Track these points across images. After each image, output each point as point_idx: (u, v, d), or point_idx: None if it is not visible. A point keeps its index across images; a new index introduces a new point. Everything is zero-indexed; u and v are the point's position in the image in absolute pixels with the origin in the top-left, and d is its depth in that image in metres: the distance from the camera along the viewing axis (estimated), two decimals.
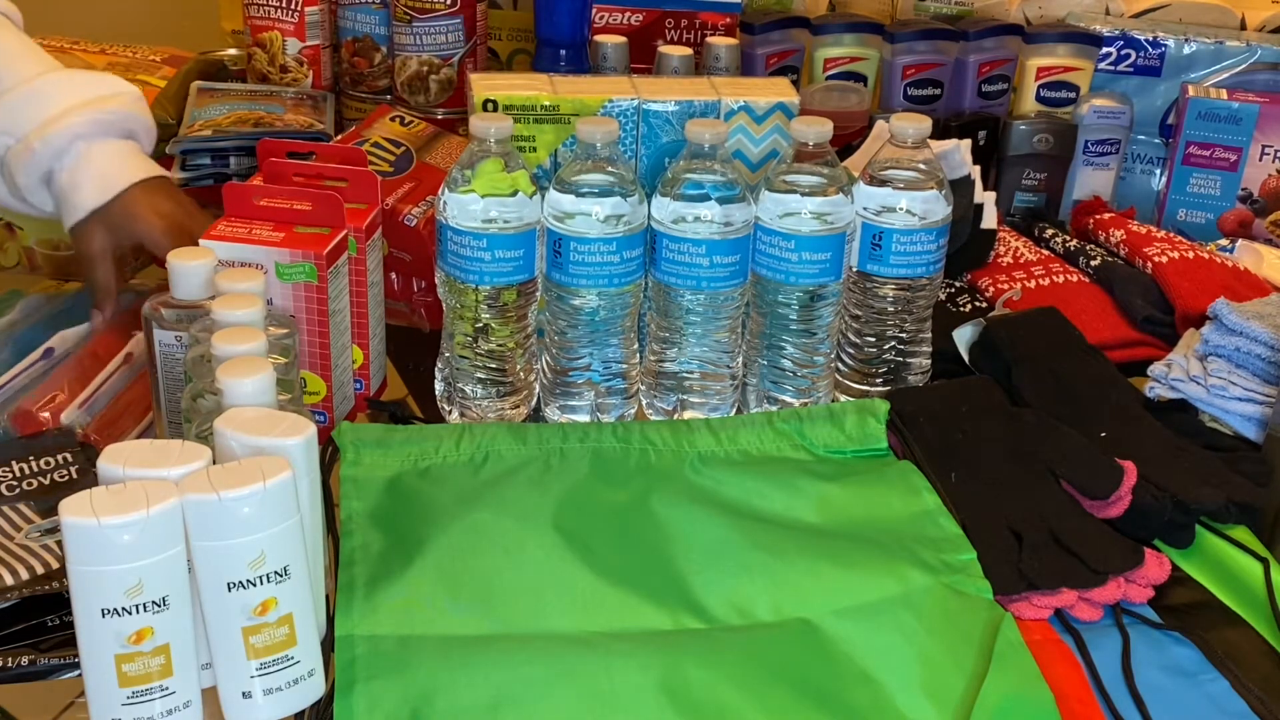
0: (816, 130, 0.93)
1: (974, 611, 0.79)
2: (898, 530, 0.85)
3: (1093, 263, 1.22)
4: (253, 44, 1.37)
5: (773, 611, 0.78)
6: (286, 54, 1.37)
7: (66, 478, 0.85)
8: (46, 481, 0.84)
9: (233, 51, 1.47)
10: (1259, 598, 0.81)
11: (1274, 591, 0.81)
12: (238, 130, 1.21)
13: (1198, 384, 0.99)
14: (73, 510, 0.60)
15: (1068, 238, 1.29)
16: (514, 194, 0.91)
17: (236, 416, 0.69)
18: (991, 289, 1.19)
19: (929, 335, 1.04)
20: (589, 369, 0.97)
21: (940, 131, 1.32)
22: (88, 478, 0.84)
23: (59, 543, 0.77)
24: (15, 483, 0.83)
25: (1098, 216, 1.30)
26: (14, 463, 0.85)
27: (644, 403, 1.00)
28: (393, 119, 1.21)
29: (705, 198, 0.92)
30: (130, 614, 0.61)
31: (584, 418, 0.97)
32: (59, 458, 0.86)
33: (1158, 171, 1.43)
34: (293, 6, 1.35)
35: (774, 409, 0.99)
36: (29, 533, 0.79)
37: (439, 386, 1.00)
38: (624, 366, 0.98)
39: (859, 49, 1.40)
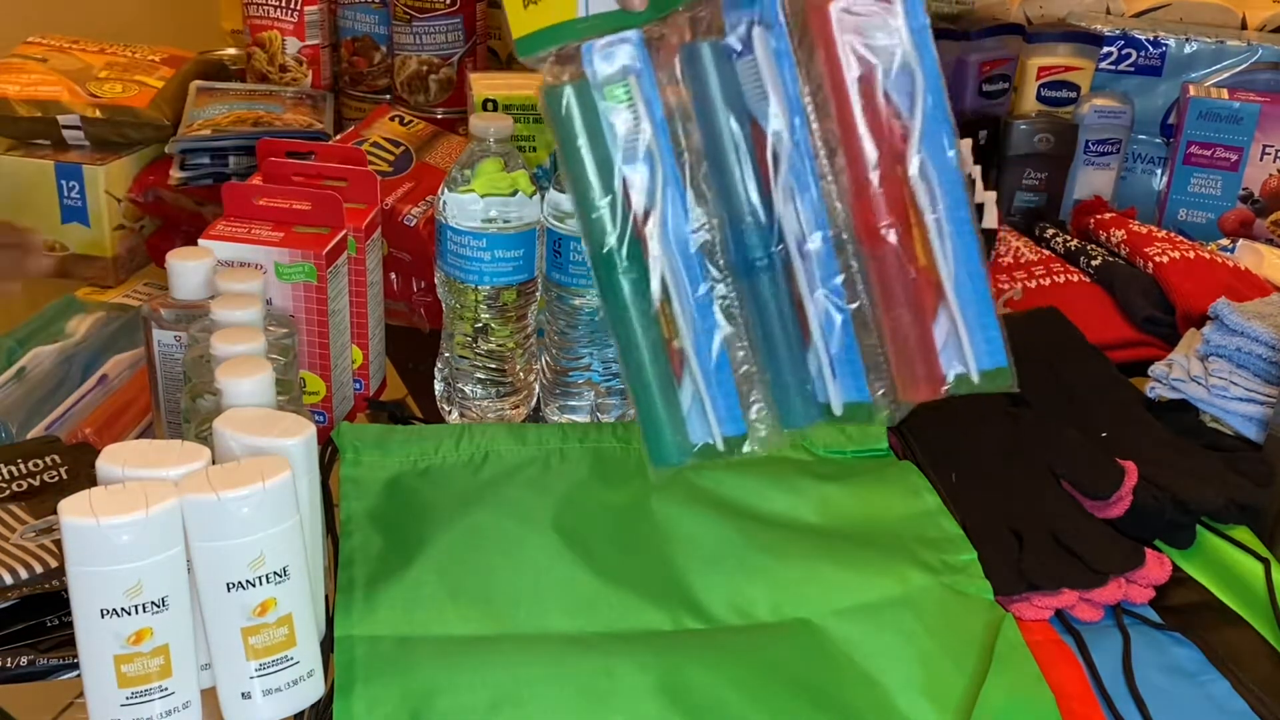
0: None
1: (974, 612, 0.78)
2: (898, 531, 0.85)
3: (1093, 262, 1.22)
4: (252, 44, 1.37)
5: (773, 612, 0.78)
6: (286, 53, 1.37)
7: (56, 479, 0.84)
8: (36, 483, 0.84)
9: (232, 51, 1.47)
10: (1260, 598, 0.81)
11: (1275, 592, 0.81)
12: (237, 130, 1.21)
13: (1198, 384, 0.99)
14: (72, 510, 0.60)
15: (1068, 237, 1.29)
16: (514, 194, 0.90)
17: (236, 416, 0.69)
18: (992, 289, 1.19)
19: None
20: (589, 369, 0.96)
21: None
22: (78, 478, 0.84)
23: (56, 542, 0.77)
24: (4, 485, 0.83)
25: (1098, 216, 1.30)
26: (1, 465, 0.85)
27: None
28: (392, 119, 1.21)
29: None
30: (129, 614, 0.61)
31: (584, 418, 0.97)
32: (46, 459, 0.86)
33: (1159, 171, 1.43)
34: (292, 6, 1.35)
35: None
36: (23, 533, 0.79)
37: (438, 387, 0.99)
38: None
39: None
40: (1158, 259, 1.18)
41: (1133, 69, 1.42)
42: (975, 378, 0.70)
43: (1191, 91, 1.35)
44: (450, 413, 0.98)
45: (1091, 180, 1.39)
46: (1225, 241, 1.30)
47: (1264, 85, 1.38)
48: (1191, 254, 1.19)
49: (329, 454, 0.88)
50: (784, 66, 0.68)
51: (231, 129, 1.21)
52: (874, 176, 0.67)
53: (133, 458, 0.64)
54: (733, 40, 0.68)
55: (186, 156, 1.20)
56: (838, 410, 0.71)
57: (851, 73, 0.66)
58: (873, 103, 0.67)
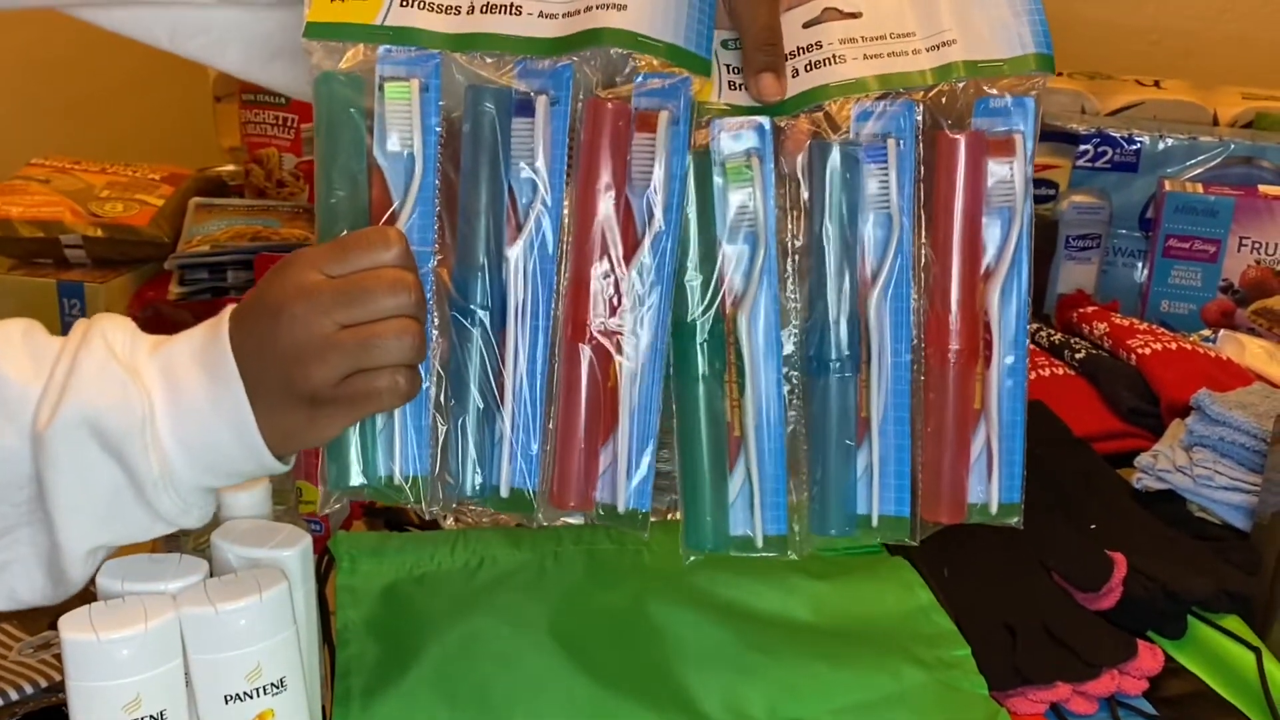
0: None
1: (970, 708, 0.79)
2: (892, 627, 0.85)
3: (1077, 356, 1.24)
4: (250, 160, 1.41)
5: (769, 713, 0.78)
6: (283, 169, 1.40)
7: None
8: None
9: (230, 167, 1.50)
10: (1252, 687, 0.81)
11: (1267, 680, 0.81)
12: (235, 245, 1.24)
13: (1184, 474, 1.00)
14: (72, 627, 0.61)
15: (1052, 332, 1.31)
16: None
17: (233, 529, 0.70)
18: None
19: None
20: None
21: None
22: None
23: (56, 657, 0.78)
24: None
25: (1081, 310, 1.32)
26: None
27: None
28: None
29: None
30: None
31: (578, 519, 0.98)
32: None
33: (1139, 264, 1.45)
34: (289, 124, 1.39)
35: None
36: (21, 650, 0.80)
37: None
38: None
39: None
40: (1140, 351, 1.20)
41: (1109, 165, 1.45)
42: (994, 509, 0.73)
43: (1168, 186, 1.38)
44: (446, 518, 0.99)
45: (1073, 275, 1.42)
46: (1207, 332, 1.32)
47: (1237, 179, 1.41)
48: (1173, 345, 1.21)
49: (325, 563, 0.88)
50: (905, 181, 0.71)
51: (229, 244, 1.24)
52: (954, 301, 0.72)
53: (132, 572, 0.65)
54: (859, 150, 0.71)
55: (185, 272, 1.22)
56: (874, 521, 0.73)
57: (961, 201, 0.72)
58: (971, 233, 0.72)
